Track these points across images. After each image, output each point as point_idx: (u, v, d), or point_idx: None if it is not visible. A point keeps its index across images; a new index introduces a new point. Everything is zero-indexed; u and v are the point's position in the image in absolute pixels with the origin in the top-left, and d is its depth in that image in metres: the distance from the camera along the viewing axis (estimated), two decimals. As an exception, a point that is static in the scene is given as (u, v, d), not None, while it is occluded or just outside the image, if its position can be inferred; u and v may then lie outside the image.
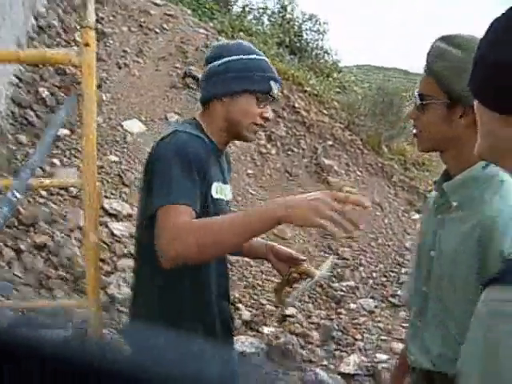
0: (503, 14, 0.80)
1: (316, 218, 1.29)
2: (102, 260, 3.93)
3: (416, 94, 1.50)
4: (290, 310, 4.00)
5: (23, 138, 4.99)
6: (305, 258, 1.86)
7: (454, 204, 1.47)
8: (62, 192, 4.51)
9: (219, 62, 1.72)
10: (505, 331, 0.62)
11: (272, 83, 1.69)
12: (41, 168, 4.67)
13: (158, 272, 1.53)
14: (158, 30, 6.97)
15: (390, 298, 4.48)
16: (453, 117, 1.43)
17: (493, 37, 0.80)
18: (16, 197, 1.20)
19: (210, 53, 1.80)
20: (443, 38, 1.46)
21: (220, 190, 1.71)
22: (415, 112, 1.51)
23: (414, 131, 1.54)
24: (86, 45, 2.29)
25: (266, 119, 1.71)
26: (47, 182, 2.62)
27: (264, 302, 4.08)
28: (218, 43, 1.91)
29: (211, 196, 1.66)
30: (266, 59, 1.77)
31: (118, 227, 4.33)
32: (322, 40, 11.33)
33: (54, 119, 2.13)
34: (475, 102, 0.85)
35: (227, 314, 1.86)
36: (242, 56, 1.72)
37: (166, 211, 1.49)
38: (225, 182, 1.77)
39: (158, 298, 1.69)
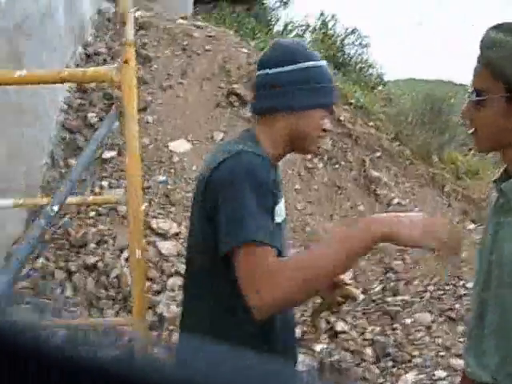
0: None
1: (429, 239, 1.25)
2: (151, 279, 3.94)
3: (470, 89, 1.42)
4: (340, 327, 3.89)
5: (73, 162, 5.11)
6: (350, 281, 1.74)
7: None
8: (112, 212, 4.57)
9: (281, 69, 1.57)
10: None
11: (334, 94, 1.62)
12: (91, 191, 4.76)
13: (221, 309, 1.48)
14: (200, 52, 7.05)
15: (448, 312, 4.29)
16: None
17: None
18: (53, 210, 1.19)
19: (266, 56, 1.64)
20: (496, 27, 1.37)
21: (280, 212, 1.56)
22: (470, 110, 1.42)
23: (471, 131, 1.46)
24: (126, 62, 2.30)
25: (328, 131, 1.64)
26: (90, 199, 2.64)
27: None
28: (274, 45, 1.67)
29: (275, 220, 1.49)
30: (326, 65, 1.65)
31: (165, 246, 4.33)
32: (366, 54, 11.27)
33: (94, 136, 2.14)
34: None
35: (292, 342, 1.72)
36: (308, 63, 1.57)
37: (249, 252, 1.35)
38: (280, 197, 1.61)
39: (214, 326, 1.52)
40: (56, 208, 1.27)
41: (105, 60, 6.71)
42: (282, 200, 1.64)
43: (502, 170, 1.50)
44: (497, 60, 1.31)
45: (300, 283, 1.29)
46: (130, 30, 2.36)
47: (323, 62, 1.63)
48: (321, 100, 1.56)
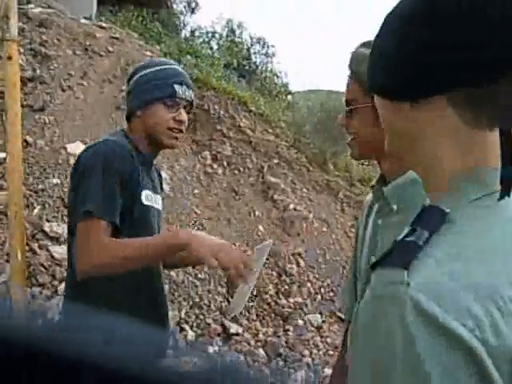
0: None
1: (211, 258, 1.50)
2: (42, 284, 3.81)
3: (343, 101, 1.51)
4: (234, 329, 3.96)
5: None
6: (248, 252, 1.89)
7: (395, 207, 1.46)
8: (1, 216, 4.37)
9: (131, 80, 1.84)
10: (376, 313, 0.61)
11: (176, 86, 1.77)
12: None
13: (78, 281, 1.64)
14: (103, 53, 6.92)
15: (338, 313, 4.49)
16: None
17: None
18: None
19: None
20: (364, 44, 1.48)
21: (150, 198, 1.78)
22: (345, 120, 1.51)
23: (349, 139, 1.55)
24: (9, 58, 2.24)
25: (181, 122, 1.78)
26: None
27: (210, 321, 4.03)
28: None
29: (141, 203, 1.73)
30: (175, 66, 1.86)
31: (58, 250, 4.21)
32: (271, 63, 11.51)
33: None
34: (375, 97, 0.84)
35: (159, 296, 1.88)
36: (148, 70, 1.81)
37: (84, 226, 1.61)
38: (155, 192, 1.84)
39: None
40: None
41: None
42: (159, 195, 1.88)
43: (378, 176, 1.60)
44: (363, 73, 1.40)
45: (117, 261, 1.57)
46: (14, 25, 2.30)
47: (168, 66, 1.84)
48: (150, 95, 1.76)
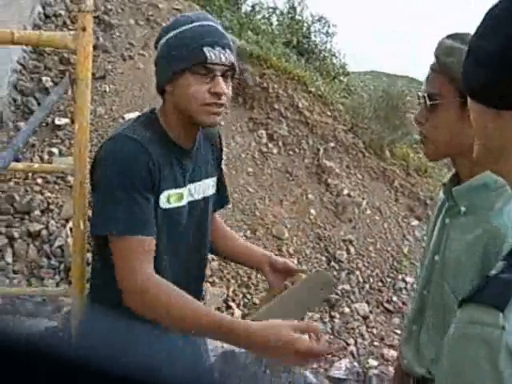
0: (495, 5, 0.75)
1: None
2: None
3: (424, 94, 1.43)
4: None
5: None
6: (304, 268, 1.77)
7: (463, 209, 1.42)
8: (59, 181, 4.48)
9: (157, 47, 1.54)
10: (466, 356, 0.57)
11: (207, 50, 1.41)
12: (39, 157, 4.64)
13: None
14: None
15: (385, 304, 4.43)
16: (467, 117, 1.37)
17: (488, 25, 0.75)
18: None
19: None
20: (451, 36, 1.40)
21: (178, 197, 1.53)
22: (423, 114, 1.44)
23: (422, 137, 1.48)
24: (83, 29, 2.25)
25: (219, 94, 1.44)
26: (36, 166, 2.58)
27: (257, 301, 4.03)
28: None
29: (160, 208, 1.49)
30: (207, 23, 1.47)
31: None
32: (330, 42, 11.29)
33: (44, 102, 2.09)
34: (468, 99, 0.80)
35: None
36: (174, 32, 1.47)
37: (124, 244, 1.40)
38: (189, 182, 1.58)
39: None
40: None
41: (64, 23, 6.52)
42: (201, 181, 1.62)
43: (451, 175, 1.54)
44: (453, 66, 1.33)
45: (163, 313, 1.34)
46: (90, -3, 2.30)
47: (198, 23, 1.46)
48: (176, 66, 1.44)
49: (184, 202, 1.56)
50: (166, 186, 1.49)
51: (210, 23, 1.47)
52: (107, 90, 5.68)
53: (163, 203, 1.49)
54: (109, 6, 7.06)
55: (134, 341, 0.84)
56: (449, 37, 1.40)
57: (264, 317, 1.38)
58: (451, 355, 0.60)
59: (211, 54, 1.42)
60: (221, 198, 1.83)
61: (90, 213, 1.91)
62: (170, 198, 1.51)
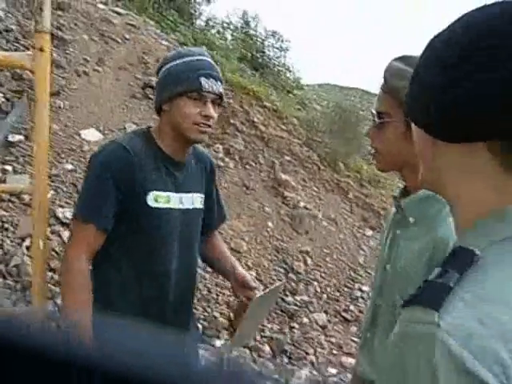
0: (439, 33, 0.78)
1: None
2: (53, 269, 3.85)
3: (374, 112, 1.51)
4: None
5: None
6: (255, 285, 1.89)
7: (411, 220, 1.50)
8: (14, 199, 4.41)
9: (159, 72, 1.81)
10: (405, 351, 0.63)
11: (202, 79, 1.70)
12: (-8, 174, 4.56)
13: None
14: (119, 40, 6.93)
15: (343, 313, 4.53)
16: (411, 134, 1.45)
17: (430, 55, 0.78)
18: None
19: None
20: (400, 58, 1.48)
21: (165, 199, 1.76)
22: (374, 131, 1.52)
23: (373, 151, 1.56)
24: (41, 49, 2.26)
25: (208, 117, 1.72)
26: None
27: (217, 314, 4.07)
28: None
29: (146, 205, 1.71)
30: (203, 58, 1.78)
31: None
32: (284, 57, 11.48)
33: (2, 123, 2.10)
34: (412, 125, 0.83)
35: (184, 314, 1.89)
36: (174, 62, 1.76)
37: (72, 229, 1.75)
38: (182, 191, 1.80)
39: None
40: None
41: (16, 38, 6.43)
42: (190, 193, 1.84)
43: (400, 188, 1.62)
44: (399, 87, 1.41)
45: (65, 287, 1.72)
46: (47, 17, 2.31)
47: (195, 57, 1.76)
48: (175, 89, 1.71)
49: (174, 206, 1.78)
50: (152, 187, 1.72)
51: (206, 58, 1.79)
52: (62, 106, 5.63)
53: (151, 201, 1.71)
54: (61, 21, 7.00)
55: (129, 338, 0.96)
56: (397, 59, 1.48)
57: (239, 341, 1.68)
58: (393, 351, 0.66)
59: (206, 83, 1.71)
60: (220, 213, 2.09)
61: (48, 232, 2.07)
62: (158, 199, 1.73)
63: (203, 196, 1.92)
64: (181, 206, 1.81)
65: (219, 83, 1.76)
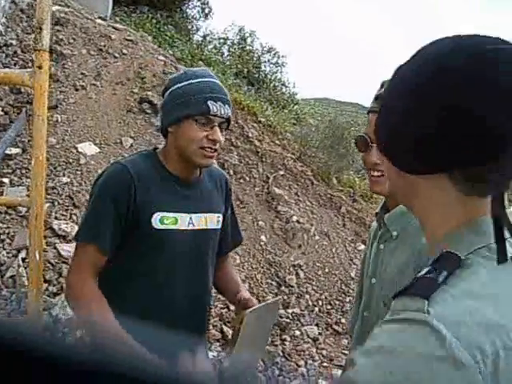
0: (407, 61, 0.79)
1: None
2: (48, 281, 3.90)
3: (363, 134, 1.52)
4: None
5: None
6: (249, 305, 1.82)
7: (394, 234, 1.54)
8: (11, 211, 4.47)
9: (166, 93, 1.75)
10: (396, 335, 0.67)
11: (210, 103, 1.64)
12: (-10, 187, 4.62)
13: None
14: (117, 55, 7.02)
15: (334, 326, 4.58)
16: None
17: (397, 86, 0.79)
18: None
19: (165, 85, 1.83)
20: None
21: (173, 221, 1.68)
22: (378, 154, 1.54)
23: (376, 173, 1.52)
24: (39, 67, 2.34)
25: (215, 141, 1.66)
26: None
27: (209, 327, 4.11)
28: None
29: (152, 227, 1.65)
30: (211, 80, 1.72)
31: (66, 248, 4.30)
32: (280, 72, 11.61)
33: (2, 138, 2.17)
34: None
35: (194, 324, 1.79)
36: (182, 83, 1.70)
37: (75, 251, 1.68)
38: (191, 211, 1.73)
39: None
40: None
41: (15, 52, 6.52)
42: (202, 214, 1.77)
43: (382, 203, 1.68)
44: None
45: (77, 311, 1.67)
46: (46, 36, 2.39)
47: (203, 79, 1.70)
48: (182, 112, 1.66)
49: (182, 227, 1.71)
50: (158, 209, 1.67)
51: (213, 80, 1.72)
52: (59, 119, 5.70)
53: (156, 223, 1.66)
54: (60, 36, 7.10)
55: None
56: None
57: (238, 351, 1.58)
58: (381, 338, 0.69)
59: (214, 107, 1.65)
60: (235, 235, 2.00)
61: (44, 244, 2.05)
62: (165, 220, 1.67)
63: (220, 215, 1.84)
64: (191, 227, 1.73)
65: (227, 106, 1.70)
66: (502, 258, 0.72)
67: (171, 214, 1.69)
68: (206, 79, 1.71)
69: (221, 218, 1.84)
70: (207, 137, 1.66)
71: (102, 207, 1.63)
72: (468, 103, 0.68)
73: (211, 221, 1.79)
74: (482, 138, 0.68)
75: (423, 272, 0.73)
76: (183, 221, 1.71)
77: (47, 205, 4.69)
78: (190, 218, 1.73)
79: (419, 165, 0.75)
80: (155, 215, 1.65)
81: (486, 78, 0.67)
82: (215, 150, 1.69)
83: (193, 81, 1.70)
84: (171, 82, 1.76)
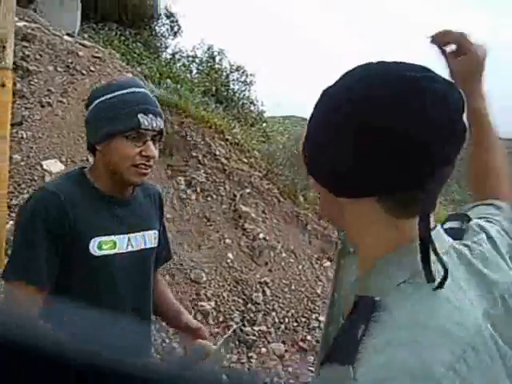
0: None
1: None
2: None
3: None
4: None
5: None
6: (199, 326, 1.81)
7: (351, 250, 1.60)
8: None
9: (90, 107, 1.61)
10: None
11: (141, 117, 1.52)
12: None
13: None
14: (84, 72, 7.00)
15: (300, 343, 4.61)
16: None
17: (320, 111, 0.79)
18: None
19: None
20: None
21: (111, 245, 1.57)
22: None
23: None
24: (2, 85, 2.35)
25: (148, 157, 1.56)
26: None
27: (175, 345, 4.10)
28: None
29: (90, 254, 1.52)
30: (139, 90, 1.59)
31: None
32: (249, 91, 11.72)
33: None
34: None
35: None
36: (106, 96, 1.57)
37: (3, 290, 1.52)
38: (127, 232, 1.63)
39: None
40: None
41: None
42: (139, 233, 1.67)
43: None
44: None
45: None
46: (10, 54, 2.40)
47: (130, 90, 1.57)
48: (110, 129, 1.52)
49: (122, 250, 1.60)
50: (94, 234, 1.54)
51: (142, 90, 1.60)
52: (24, 136, 5.64)
53: (94, 250, 1.53)
54: (27, 52, 7.04)
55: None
56: None
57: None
58: None
59: (144, 120, 1.52)
60: (165, 252, 1.89)
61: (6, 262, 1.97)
62: (103, 245, 1.55)
63: (157, 232, 1.75)
64: (130, 249, 1.63)
65: (159, 118, 1.58)
66: (429, 278, 0.71)
67: (109, 238, 1.57)
68: (133, 89, 1.58)
69: (157, 235, 1.74)
70: (140, 153, 1.55)
71: (34, 237, 1.46)
72: (393, 129, 0.67)
73: (149, 239, 1.70)
74: (408, 164, 0.68)
75: (342, 328, 0.73)
76: (121, 243, 1.61)
77: (10, 223, 4.63)
78: (129, 239, 1.63)
79: (343, 189, 0.75)
80: (92, 241, 1.53)
81: (412, 105, 0.67)
82: (149, 166, 1.58)
83: (119, 92, 1.56)
84: (95, 94, 1.62)
